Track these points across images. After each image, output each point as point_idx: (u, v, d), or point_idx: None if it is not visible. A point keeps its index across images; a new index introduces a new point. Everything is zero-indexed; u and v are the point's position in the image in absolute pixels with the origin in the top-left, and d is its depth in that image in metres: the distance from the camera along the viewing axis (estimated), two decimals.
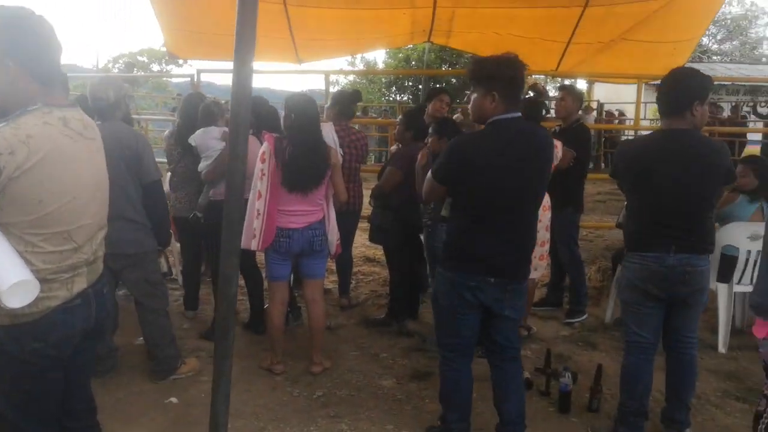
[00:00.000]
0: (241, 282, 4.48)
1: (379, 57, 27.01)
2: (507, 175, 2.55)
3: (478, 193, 2.59)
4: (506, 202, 2.59)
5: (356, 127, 5.23)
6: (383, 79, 25.81)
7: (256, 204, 3.51)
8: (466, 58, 24.18)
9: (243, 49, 1.68)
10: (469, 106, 2.71)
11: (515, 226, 2.64)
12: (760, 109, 11.79)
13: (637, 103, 7.23)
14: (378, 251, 6.54)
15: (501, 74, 2.57)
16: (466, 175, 2.57)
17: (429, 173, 2.76)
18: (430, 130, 4.20)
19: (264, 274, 4.30)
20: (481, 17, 6.77)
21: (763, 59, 33.51)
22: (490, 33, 7.26)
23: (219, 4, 5.92)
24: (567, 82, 9.64)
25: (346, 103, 4.95)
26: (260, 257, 4.38)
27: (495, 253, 2.60)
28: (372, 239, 4.71)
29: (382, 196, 4.48)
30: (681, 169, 2.75)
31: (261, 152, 3.54)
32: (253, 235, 3.51)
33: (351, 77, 26.15)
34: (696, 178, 2.77)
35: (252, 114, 4.28)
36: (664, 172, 2.77)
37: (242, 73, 1.71)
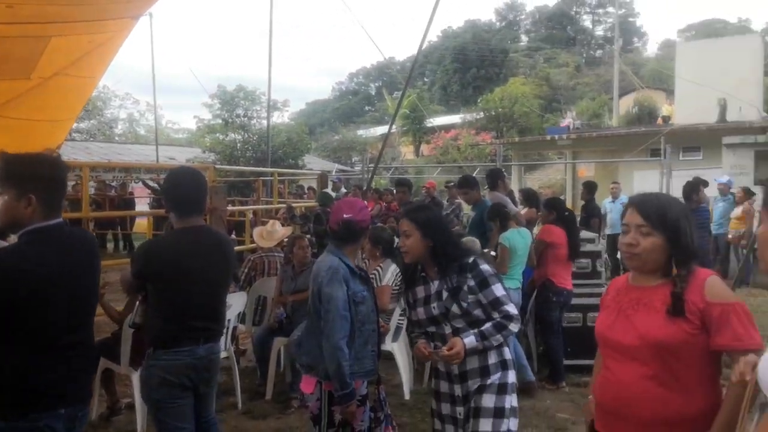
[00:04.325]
0: None
1: None
2: (65, 285, 2.22)
3: (33, 315, 2.15)
4: (68, 319, 2.25)
5: None
6: None
7: None
8: None
9: None
10: None
11: (81, 345, 2.33)
12: (149, 183, 12.86)
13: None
14: None
15: (40, 174, 2.23)
16: (15, 297, 2.10)
17: None
18: None
19: None
20: None
21: (116, 138, 36.37)
22: None
23: None
24: None
25: None
26: None
27: (63, 378, 2.22)
28: None
29: None
30: (207, 264, 2.90)
31: None
32: None
33: None
34: (218, 270, 2.98)
35: None
36: (194, 269, 2.86)
37: None
